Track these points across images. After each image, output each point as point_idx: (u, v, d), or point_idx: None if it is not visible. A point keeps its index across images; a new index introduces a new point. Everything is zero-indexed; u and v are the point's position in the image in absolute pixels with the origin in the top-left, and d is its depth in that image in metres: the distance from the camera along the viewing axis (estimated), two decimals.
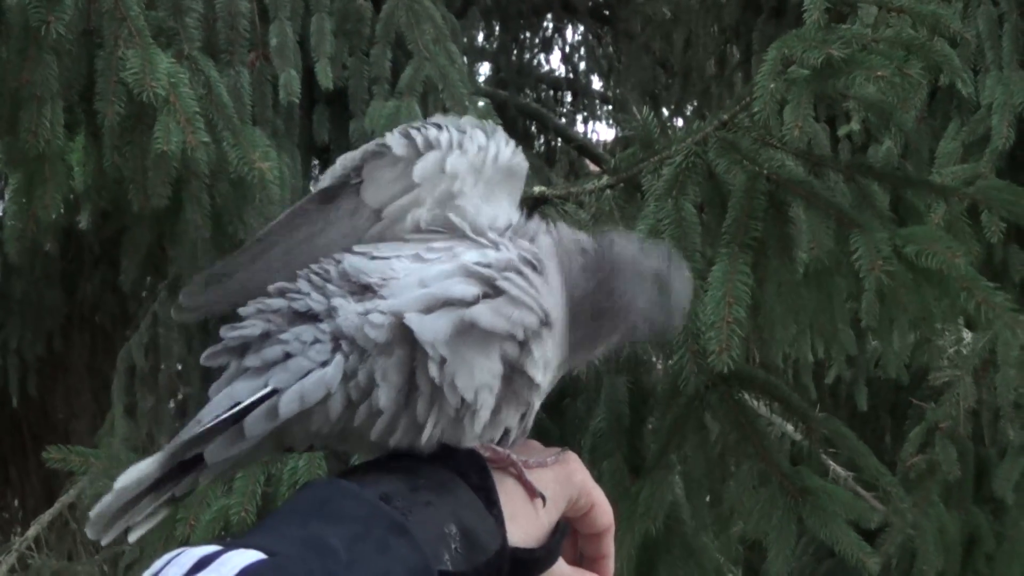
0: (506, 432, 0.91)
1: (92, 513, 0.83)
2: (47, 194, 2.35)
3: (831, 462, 2.59)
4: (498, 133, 0.98)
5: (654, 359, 2.25)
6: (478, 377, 0.86)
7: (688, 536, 2.12)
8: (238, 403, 0.83)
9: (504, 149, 0.98)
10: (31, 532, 3.43)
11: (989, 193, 2.07)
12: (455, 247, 0.92)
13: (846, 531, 1.93)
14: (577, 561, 0.95)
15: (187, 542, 2.03)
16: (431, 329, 0.84)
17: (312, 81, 2.80)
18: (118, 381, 3.66)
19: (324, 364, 0.84)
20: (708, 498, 2.14)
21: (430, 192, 0.95)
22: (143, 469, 0.83)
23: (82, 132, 2.45)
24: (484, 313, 0.86)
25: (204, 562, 0.68)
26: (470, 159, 0.96)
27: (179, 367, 3.83)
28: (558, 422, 2.27)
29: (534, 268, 0.91)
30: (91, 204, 2.70)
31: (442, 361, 0.84)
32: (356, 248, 0.93)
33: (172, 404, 3.91)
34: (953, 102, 3.22)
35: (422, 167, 0.94)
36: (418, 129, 0.95)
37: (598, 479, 0.93)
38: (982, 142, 3.01)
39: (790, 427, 2.66)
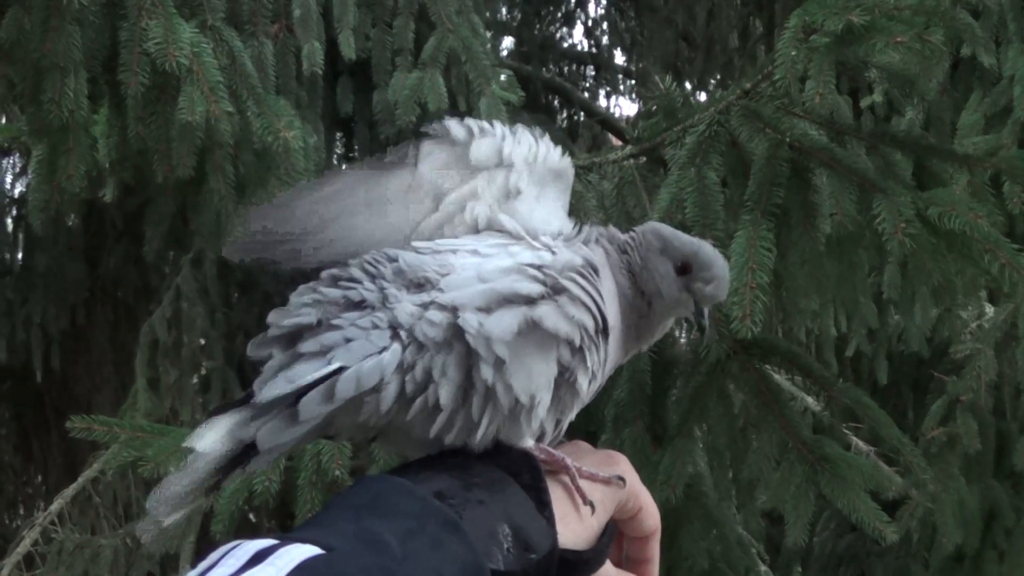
0: (542, 434, 0.91)
1: (157, 496, 0.82)
2: (70, 164, 2.36)
3: (853, 436, 2.58)
4: (546, 137, 1.01)
5: (676, 333, 2.25)
6: (535, 380, 0.87)
7: (710, 507, 2.11)
8: (297, 383, 0.82)
9: (553, 151, 1.01)
10: (54, 507, 3.47)
11: (1013, 163, 2.05)
12: (510, 246, 0.93)
13: (864, 500, 1.92)
14: (621, 562, 0.95)
15: (210, 512, 2.05)
16: (494, 327, 0.85)
17: (335, 52, 2.81)
18: (141, 355, 3.69)
19: (382, 351, 0.84)
20: (731, 470, 2.14)
21: (488, 184, 0.97)
22: (206, 453, 0.81)
23: (105, 104, 2.46)
24: (549, 314, 0.87)
25: (261, 555, 0.69)
26: (524, 151, 0.98)
27: (202, 341, 3.86)
28: None
29: (593, 272, 0.93)
30: (115, 177, 2.72)
31: (498, 362, 0.85)
32: (414, 244, 0.94)
33: (195, 379, 3.93)
34: (975, 74, 3.22)
35: (478, 148, 0.97)
36: (473, 119, 0.99)
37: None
38: (1004, 113, 3.01)
39: (811, 400, 2.66)
